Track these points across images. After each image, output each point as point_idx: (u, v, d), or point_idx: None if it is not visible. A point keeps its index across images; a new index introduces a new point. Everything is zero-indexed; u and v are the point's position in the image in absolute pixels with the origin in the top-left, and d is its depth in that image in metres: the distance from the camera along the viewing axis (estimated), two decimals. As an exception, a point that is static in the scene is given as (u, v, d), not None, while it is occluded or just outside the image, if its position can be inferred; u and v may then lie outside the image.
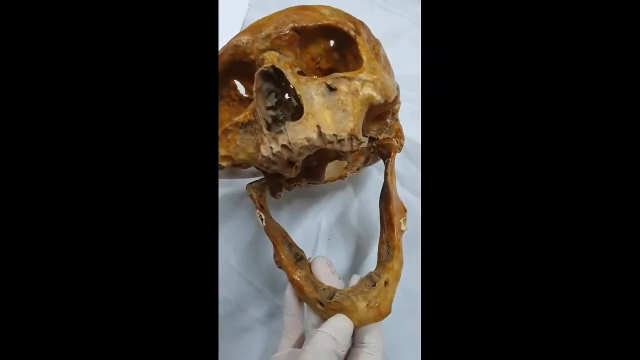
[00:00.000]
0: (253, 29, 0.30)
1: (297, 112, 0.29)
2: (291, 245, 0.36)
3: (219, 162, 0.32)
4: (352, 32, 0.30)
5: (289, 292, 0.34)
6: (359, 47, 0.30)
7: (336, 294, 0.31)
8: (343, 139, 0.28)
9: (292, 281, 0.33)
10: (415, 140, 0.44)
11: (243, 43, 0.29)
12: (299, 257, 0.34)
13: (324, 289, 0.31)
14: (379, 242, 0.34)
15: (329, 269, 0.34)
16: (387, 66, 0.35)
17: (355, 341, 0.32)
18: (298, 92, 0.28)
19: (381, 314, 0.30)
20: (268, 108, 0.30)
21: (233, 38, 0.31)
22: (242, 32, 0.31)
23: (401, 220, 0.34)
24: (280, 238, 0.35)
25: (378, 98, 0.29)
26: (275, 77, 0.29)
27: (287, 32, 0.29)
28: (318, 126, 0.27)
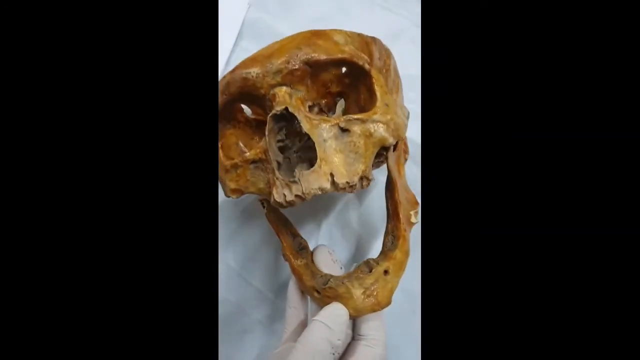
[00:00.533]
0: (263, 60, 0.29)
1: (306, 146, 0.28)
2: (295, 235, 0.35)
3: (228, 194, 0.32)
4: (366, 66, 0.29)
5: (292, 285, 0.34)
6: (373, 81, 0.29)
7: (331, 280, 0.30)
8: (355, 184, 0.28)
9: (293, 270, 0.33)
10: (415, 140, 0.44)
11: (253, 77, 0.28)
12: (301, 247, 0.34)
13: (321, 276, 0.31)
14: (385, 233, 0.33)
15: (330, 257, 0.33)
16: (396, 79, 0.34)
17: (354, 333, 0.31)
18: (311, 137, 0.27)
19: (379, 304, 0.29)
20: (278, 141, 0.29)
21: (242, 68, 0.29)
22: (251, 62, 0.29)
23: (411, 212, 0.33)
24: (282, 227, 0.35)
25: (390, 140, 0.29)
26: (287, 116, 0.28)
27: (299, 66, 0.28)
28: (331, 174, 0.27)
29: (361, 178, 0.29)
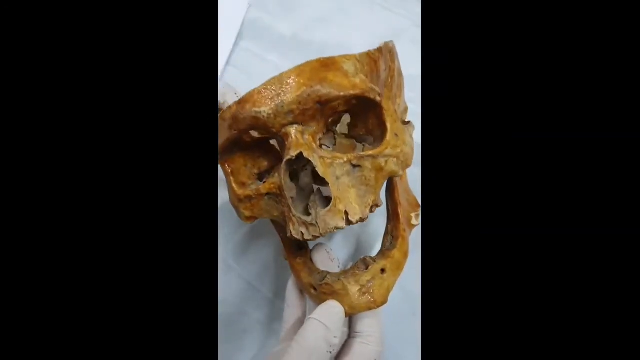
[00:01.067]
0: (273, 97, 0.28)
1: (317, 175, 0.29)
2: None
3: (243, 220, 0.32)
4: (377, 98, 0.29)
5: (290, 284, 0.34)
6: (384, 112, 0.30)
7: (328, 276, 0.30)
8: (366, 217, 0.29)
9: (292, 268, 0.33)
10: (415, 140, 0.44)
11: (264, 117, 0.27)
12: (301, 246, 0.34)
13: (318, 273, 0.31)
14: (384, 233, 0.33)
15: (328, 255, 0.34)
16: (400, 81, 0.34)
17: (350, 331, 0.31)
18: (325, 178, 0.27)
19: (375, 302, 0.29)
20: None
21: (250, 104, 0.28)
22: (260, 98, 0.28)
23: (412, 215, 0.33)
24: (284, 228, 0.35)
25: (400, 172, 0.30)
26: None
27: (311, 106, 0.28)
28: (346, 212, 0.28)
29: (372, 207, 0.30)
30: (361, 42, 0.51)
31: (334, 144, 0.32)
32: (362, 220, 0.29)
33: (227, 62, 0.51)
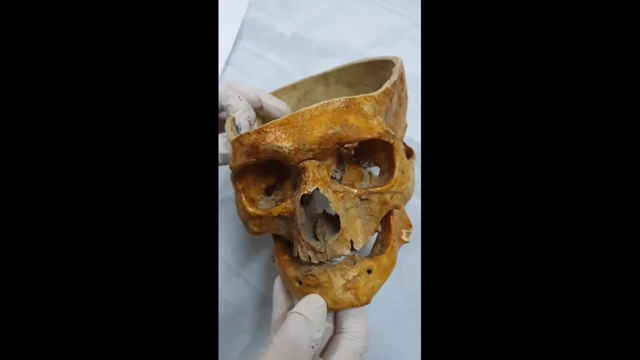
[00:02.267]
0: (295, 133, 0.29)
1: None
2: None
3: (251, 234, 0.33)
4: (391, 141, 0.31)
5: (277, 283, 0.34)
6: (394, 152, 0.31)
7: (314, 268, 0.30)
8: (368, 242, 0.31)
9: (279, 265, 0.33)
10: (415, 140, 0.44)
11: (285, 152, 0.29)
12: (289, 244, 0.34)
13: (305, 265, 0.31)
14: (375, 241, 0.34)
15: None
16: (406, 105, 0.35)
17: (336, 327, 0.31)
18: (336, 211, 0.29)
19: (358, 300, 0.29)
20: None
21: (272, 137, 0.29)
22: (282, 132, 0.29)
23: (404, 231, 0.34)
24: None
25: (402, 206, 0.32)
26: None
27: (331, 146, 0.29)
28: (351, 241, 0.29)
29: (372, 233, 0.32)
30: (361, 42, 0.51)
31: (343, 170, 0.33)
32: (363, 246, 0.30)
33: (227, 62, 0.51)
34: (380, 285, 0.31)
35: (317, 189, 0.29)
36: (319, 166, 0.29)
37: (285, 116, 0.29)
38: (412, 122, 0.40)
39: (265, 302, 0.44)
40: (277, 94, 0.44)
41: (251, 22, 0.52)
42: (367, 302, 0.30)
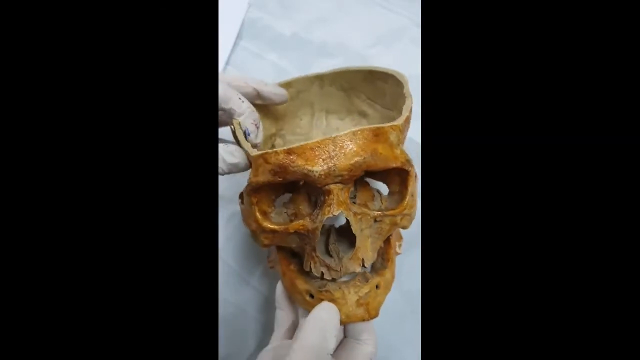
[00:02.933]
0: (325, 158, 0.29)
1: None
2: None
3: (261, 246, 0.34)
4: (410, 168, 0.32)
5: (280, 288, 0.34)
6: (409, 178, 0.33)
7: (328, 284, 0.31)
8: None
9: (285, 274, 0.34)
10: (415, 140, 0.44)
11: (314, 176, 0.29)
12: (294, 253, 0.35)
13: (319, 279, 0.32)
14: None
15: None
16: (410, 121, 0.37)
17: (347, 334, 0.32)
18: (354, 230, 0.30)
19: (369, 314, 0.31)
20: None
21: (303, 159, 0.29)
22: (312, 155, 0.29)
23: (397, 243, 0.36)
24: None
25: (408, 227, 0.34)
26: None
27: (359, 173, 0.30)
28: (363, 260, 0.31)
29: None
30: (361, 42, 0.51)
31: (356, 190, 0.34)
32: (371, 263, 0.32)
33: (227, 62, 0.51)
34: (384, 298, 0.32)
35: (341, 212, 0.30)
36: (342, 189, 0.30)
37: (316, 140, 0.29)
38: (412, 122, 0.40)
39: (265, 302, 0.44)
40: None
41: (251, 22, 0.52)
42: (377, 315, 0.32)
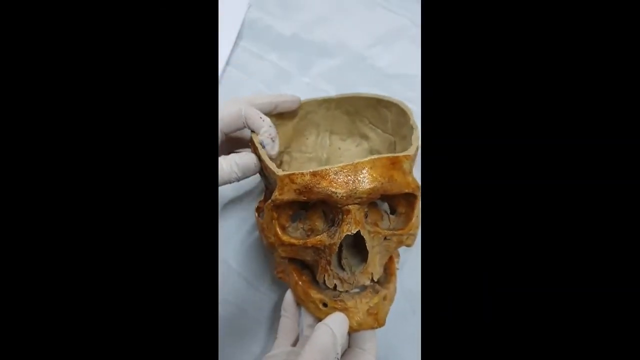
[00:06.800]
0: (348, 182, 0.32)
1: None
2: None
3: (277, 258, 0.37)
4: (418, 194, 0.35)
5: (289, 296, 0.37)
6: (416, 202, 0.36)
7: (342, 294, 0.34)
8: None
9: (296, 285, 0.36)
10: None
11: (337, 197, 0.32)
12: (304, 266, 0.38)
13: (332, 290, 0.35)
14: None
15: None
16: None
17: (352, 344, 0.35)
18: (367, 247, 0.33)
19: (378, 322, 0.34)
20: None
21: (327, 181, 0.32)
22: (336, 179, 0.32)
23: (395, 260, 0.38)
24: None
25: (412, 245, 0.37)
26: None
27: (376, 196, 0.33)
28: (372, 274, 0.34)
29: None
30: (361, 42, 0.51)
31: (367, 210, 0.36)
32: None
33: (227, 62, 0.51)
34: (389, 308, 0.35)
35: (359, 230, 0.33)
36: (359, 209, 0.33)
37: (339, 165, 0.33)
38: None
39: (265, 302, 0.44)
40: None
41: (251, 22, 0.52)
42: (384, 324, 0.34)
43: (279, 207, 0.35)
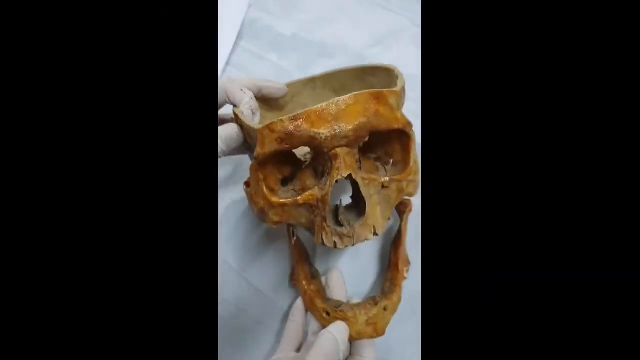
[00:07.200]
0: (331, 120, 0.30)
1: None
2: (311, 265, 0.41)
3: (270, 225, 0.34)
4: (410, 132, 0.34)
5: (299, 303, 0.38)
6: (411, 142, 0.34)
7: (343, 305, 0.35)
8: (384, 229, 0.33)
9: (305, 293, 0.37)
10: (415, 139, 0.45)
11: (321, 138, 0.30)
12: (314, 275, 0.39)
13: (334, 301, 0.36)
14: (384, 278, 0.39)
15: (342, 279, 0.39)
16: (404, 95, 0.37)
17: (352, 352, 0.36)
18: (363, 196, 0.31)
19: (377, 332, 0.34)
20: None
21: (308, 124, 0.30)
22: (317, 119, 0.30)
23: (404, 269, 0.38)
24: (304, 256, 0.40)
25: (415, 194, 0.35)
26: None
27: (363, 134, 0.31)
28: (374, 227, 0.31)
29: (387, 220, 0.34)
30: (361, 42, 0.51)
31: (360, 162, 0.35)
32: (381, 232, 0.33)
33: (227, 62, 0.51)
34: (391, 319, 0.35)
35: (350, 174, 0.30)
36: (348, 153, 0.31)
37: (320, 105, 0.30)
38: (412, 122, 0.41)
39: (265, 302, 0.44)
40: None
41: (251, 22, 0.52)
42: (383, 334, 0.34)
43: (263, 164, 0.33)
